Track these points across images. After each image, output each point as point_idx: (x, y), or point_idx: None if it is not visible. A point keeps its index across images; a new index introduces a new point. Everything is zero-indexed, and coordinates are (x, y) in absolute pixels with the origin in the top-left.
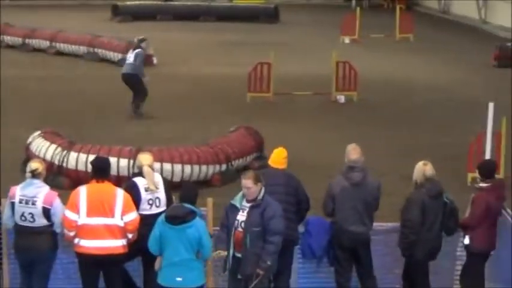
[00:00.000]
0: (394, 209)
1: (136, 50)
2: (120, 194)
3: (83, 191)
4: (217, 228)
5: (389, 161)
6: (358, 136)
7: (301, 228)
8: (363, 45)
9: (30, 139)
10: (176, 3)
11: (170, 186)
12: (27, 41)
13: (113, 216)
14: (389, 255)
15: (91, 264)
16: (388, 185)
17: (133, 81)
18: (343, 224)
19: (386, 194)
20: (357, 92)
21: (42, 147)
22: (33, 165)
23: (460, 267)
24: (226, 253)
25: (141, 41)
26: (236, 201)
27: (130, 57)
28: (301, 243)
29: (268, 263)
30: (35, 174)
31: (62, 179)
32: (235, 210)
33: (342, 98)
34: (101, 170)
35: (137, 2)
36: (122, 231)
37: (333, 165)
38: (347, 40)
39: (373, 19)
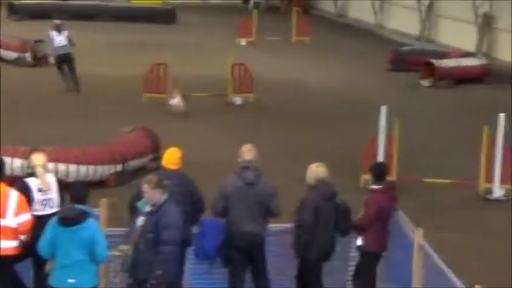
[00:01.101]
0: (288, 210)
1: (65, 32)
2: (14, 194)
3: None
4: (112, 228)
5: (284, 163)
6: (254, 137)
7: (195, 229)
8: (259, 48)
9: None
10: (73, 2)
11: (64, 186)
12: None
13: (4, 217)
14: (283, 256)
15: None
16: (282, 187)
17: (71, 59)
18: (237, 224)
19: (280, 196)
20: (253, 93)
21: None
22: None
23: (352, 268)
24: (127, 248)
25: (61, 24)
26: (140, 204)
27: (62, 39)
28: (195, 244)
29: (159, 272)
30: None
31: None
32: (138, 213)
33: (237, 100)
34: None
35: (34, 1)
36: (14, 233)
37: (227, 166)
38: (243, 42)
39: (270, 21)
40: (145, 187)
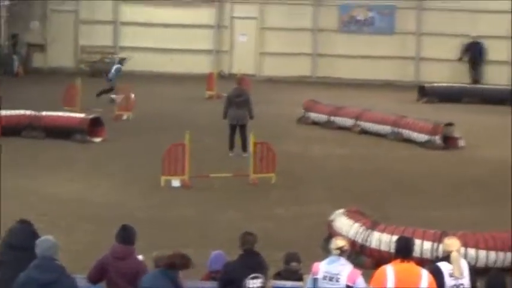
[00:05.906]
0: None
1: (116, 66)
2: (425, 275)
3: (389, 270)
4: None
5: None
6: None
7: None
8: None
9: (333, 216)
10: (484, 86)
11: (475, 272)
12: (332, 118)
13: None
14: None
15: None
16: None
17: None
18: None
19: None
20: None
21: (346, 225)
22: (340, 242)
23: None
24: None
25: (123, 59)
26: None
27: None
28: None
29: None
30: (341, 252)
31: (364, 258)
32: None
33: None
34: (405, 250)
35: (444, 84)
36: None
37: None
38: None
39: None
40: None
